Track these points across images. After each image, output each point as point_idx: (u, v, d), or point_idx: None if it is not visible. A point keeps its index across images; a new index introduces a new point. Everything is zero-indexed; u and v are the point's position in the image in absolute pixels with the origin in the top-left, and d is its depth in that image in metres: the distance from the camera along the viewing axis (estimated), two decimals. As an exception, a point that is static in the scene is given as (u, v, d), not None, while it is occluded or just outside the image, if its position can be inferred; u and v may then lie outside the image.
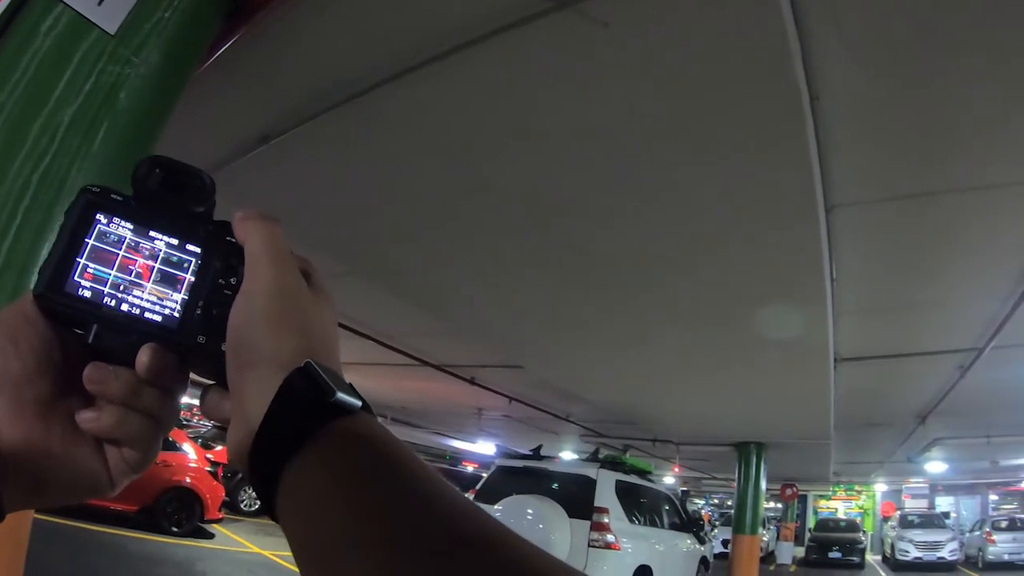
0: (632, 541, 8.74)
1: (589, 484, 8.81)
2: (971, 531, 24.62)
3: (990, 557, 21.50)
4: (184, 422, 22.17)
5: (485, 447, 26.14)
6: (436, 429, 24.81)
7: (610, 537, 8.30)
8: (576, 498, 8.60)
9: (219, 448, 12.86)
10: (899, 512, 27.41)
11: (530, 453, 10.47)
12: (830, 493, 33.64)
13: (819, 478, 24.45)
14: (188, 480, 11.03)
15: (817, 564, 23.51)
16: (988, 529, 22.33)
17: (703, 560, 12.49)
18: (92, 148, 2.36)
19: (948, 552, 22.06)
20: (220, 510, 11.68)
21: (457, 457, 32.65)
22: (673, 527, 10.91)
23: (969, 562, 22.75)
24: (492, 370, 10.46)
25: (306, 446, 0.47)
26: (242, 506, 15.41)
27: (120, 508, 10.10)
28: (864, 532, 27.30)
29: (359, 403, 0.50)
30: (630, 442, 16.31)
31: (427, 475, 0.46)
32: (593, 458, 10.01)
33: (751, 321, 6.40)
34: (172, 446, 11.06)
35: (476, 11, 3.08)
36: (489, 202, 4.91)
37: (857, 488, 32.96)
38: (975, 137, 3.73)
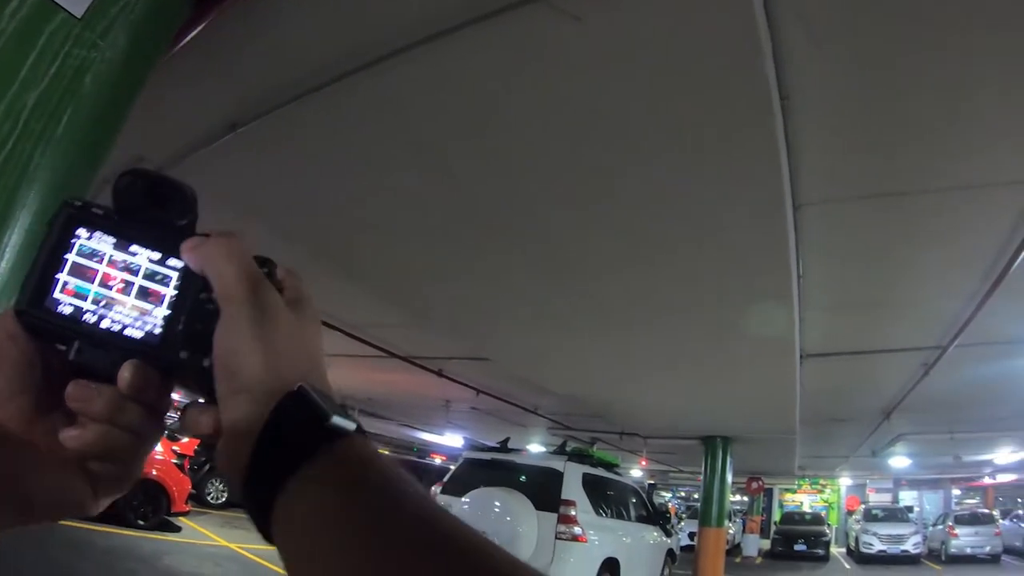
0: (599, 534, 8.74)
1: (556, 477, 8.79)
2: (934, 525, 25.00)
3: (952, 550, 21.94)
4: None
5: (452, 439, 26.09)
6: (403, 421, 24.73)
7: (577, 529, 8.29)
8: (543, 491, 8.57)
9: (185, 440, 12.61)
10: (863, 506, 27.80)
11: (497, 446, 10.46)
12: (795, 487, 34.01)
13: (785, 472, 24.69)
14: (154, 473, 10.81)
15: (783, 556, 23.75)
16: (950, 523, 22.71)
17: (669, 552, 12.56)
18: (56, 132, 2.32)
19: (911, 545, 22.34)
20: (187, 503, 11.49)
21: (424, 449, 32.53)
22: (640, 519, 10.94)
23: (932, 555, 23.16)
24: (459, 362, 10.41)
25: (304, 467, 0.48)
26: (208, 499, 15.29)
27: None
28: (829, 525, 27.64)
29: (354, 425, 0.52)
30: (597, 435, 16.33)
31: (416, 492, 0.49)
32: (560, 451, 10.01)
33: (718, 316, 6.44)
34: None
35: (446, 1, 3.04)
36: (457, 194, 4.86)
37: (822, 482, 33.37)
38: (942, 139, 3.73)
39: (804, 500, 34.19)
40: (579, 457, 9.61)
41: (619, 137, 3.89)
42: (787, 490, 34.49)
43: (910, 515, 24.89)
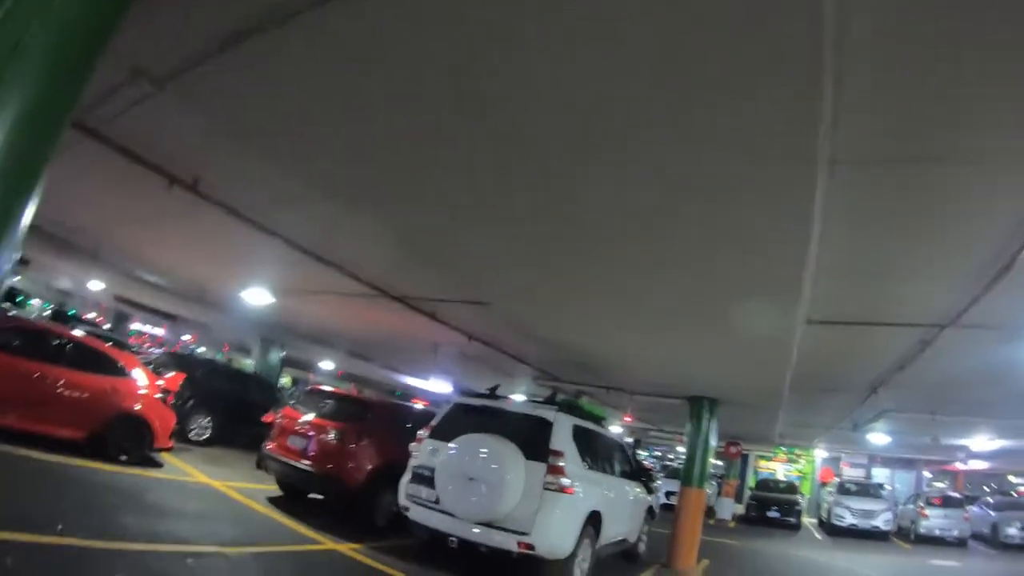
0: (585, 486, 8.73)
1: (546, 426, 8.73)
2: (905, 504, 25.37)
3: (921, 530, 22.38)
4: (135, 349, 21.84)
5: (437, 385, 26.04)
6: (388, 363, 24.71)
7: (565, 480, 8.26)
8: (532, 440, 8.51)
9: (171, 375, 12.45)
10: (838, 479, 28.16)
11: (487, 392, 10.42)
12: (771, 455, 34.38)
13: (764, 438, 24.94)
14: (137, 407, 10.68)
15: (756, 521, 24.13)
16: (922, 504, 23.07)
17: (649, 509, 12.66)
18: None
19: (882, 522, 22.75)
20: (170, 439, 11.38)
21: (407, 393, 32.60)
22: (624, 475, 10.96)
23: (901, 533, 23.56)
24: (455, 306, 10.31)
25: None
26: (192, 435, 15.32)
27: (67, 435, 9.82)
28: (802, 495, 28.03)
29: None
30: (583, 388, 16.32)
31: None
32: (550, 401, 9.98)
33: (728, 273, 6.34)
34: (121, 371, 10.71)
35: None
36: (466, 128, 4.69)
37: (797, 452, 33.69)
38: (992, 111, 3.59)
39: (779, 468, 34.58)
40: (569, 408, 9.55)
41: (649, 79, 3.72)
42: (763, 457, 34.87)
43: (883, 492, 25.21)
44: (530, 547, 7.91)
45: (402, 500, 9.04)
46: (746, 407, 14.47)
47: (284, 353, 23.06)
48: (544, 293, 8.23)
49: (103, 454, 10.07)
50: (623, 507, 10.69)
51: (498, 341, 12.80)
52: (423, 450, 9.19)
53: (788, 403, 13.76)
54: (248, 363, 24.83)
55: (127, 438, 10.49)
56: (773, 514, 24.50)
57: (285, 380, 34.25)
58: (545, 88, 4.00)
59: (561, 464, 8.38)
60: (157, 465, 11.05)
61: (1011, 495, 26.38)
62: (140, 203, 8.52)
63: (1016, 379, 9.43)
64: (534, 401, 10.18)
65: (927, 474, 32.30)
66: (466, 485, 8.25)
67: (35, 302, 32.35)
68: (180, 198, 7.25)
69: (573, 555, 8.39)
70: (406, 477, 9.19)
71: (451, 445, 8.60)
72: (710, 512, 23.59)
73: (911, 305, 7.26)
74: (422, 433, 9.44)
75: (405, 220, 6.88)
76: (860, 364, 10.27)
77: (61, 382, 9.79)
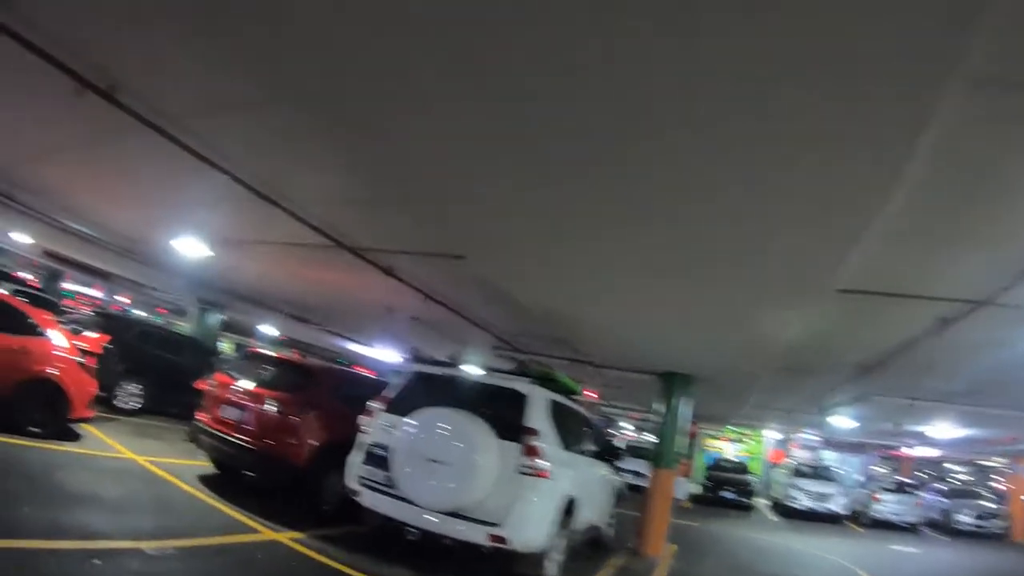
0: (560, 469, 7.72)
1: (519, 401, 7.70)
2: (857, 488, 25.27)
3: (873, 515, 22.50)
4: (63, 310, 20.12)
5: (383, 352, 24.81)
6: (332, 328, 23.40)
7: (542, 463, 7.26)
8: (504, 417, 7.50)
9: (94, 335, 10.82)
10: (792, 461, 28.11)
11: (447, 361, 9.28)
12: (718, 433, 33.87)
13: (721, 418, 24.50)
14: (51, 371, 9.27)
15: (711, 502, 23.85)
16: (875, 489, 23.18)
17: (618, 493, 11.72)
18: None
19: (837, 505, 22.83)
20: (90, 407, 9.96)
21: (350, 361, 31.22)
22: (594, 456, 9.97)
23: (852, 517, 23.55)
24: (418, 260, 9.13)
25: None
26: (118, 403, 13.89)
27: None
28: (754, 475, 27.73)
29: None
30: (545, 359, 15.17)
31: None
32: (521, 371, 8.87)
33: (766, 229, 5.16)
34: (33, 330, 9.27)
35: None
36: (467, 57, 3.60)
37: (745, 432, 33.27)
38: None
39: (726, 448, 34.09)
40: (543, 380, 8.48)
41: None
42: (710, 436, 34.29)
43: (836, 476, 25.24)
44: (502, 540, 6.90)
45: (351, 483, 7.91)
46: (718, 386, 13.56)
47: (224, 317, 21.59)
48: (530, 247, 6.98)
49: (9, 425, 8.75)
50: (596, 491, 9.74)
51: (459, 304, 11.66)
52: (376, 425, 8.08)
53: (765, 383, 12.93)
54: (185, 327, 23.25)
55: (38, 407, 9.13)
56: (728, 495, 24.33)
57: (226, 346, 32.64)
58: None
59: (537, 444, 7.37)
60: (74, 438, 9.69)
61: (956, 482, 26.90)
62: (51, 125, 7.16)
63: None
64: (502, 372, 9.06)
65: (875, 459, 32.36)
66: (428, 468, 7.18)
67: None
68: (96, 112, 5.91)
69: (547, 547, 7.39)
70: (356, 456, 8.06)
71: (410, 420, 7.53)
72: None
73: (950, 279, 6.37)
74: (375, 405, 8.28)
75: (382, 144, 5.44)
76: (862, 341, 9.43)
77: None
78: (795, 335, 8.32)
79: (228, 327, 27.07)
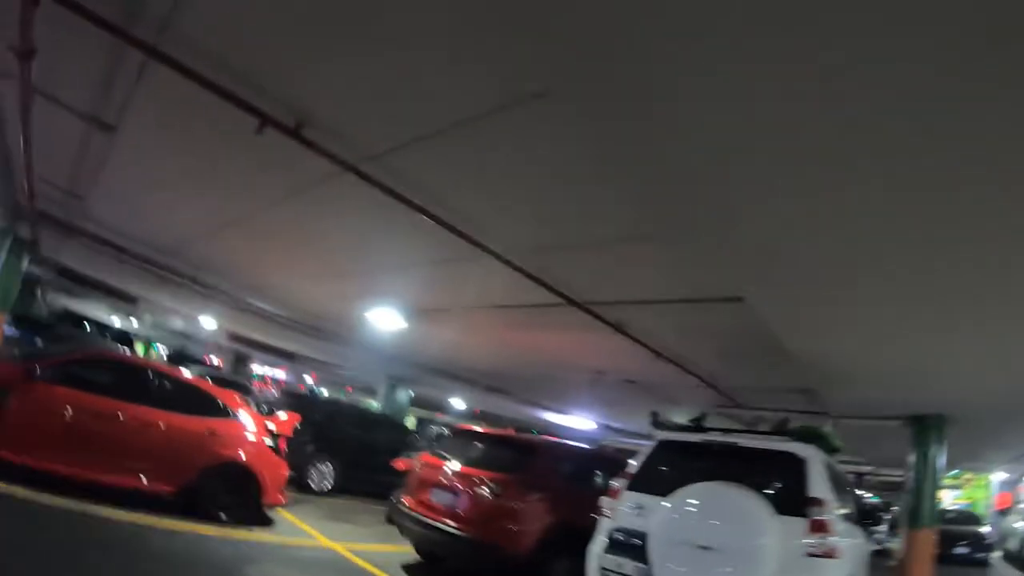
0: (847, 545, 6.21)
1: (798, 466, 6.24)
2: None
3: None
4: (248, 391, 20.30)
5: (578, 420, 23.46)
6: (527, 398, 22.20)
7: (833, 540, 5.75)
8: (778, 487, 6.14)
9: (284, 417, 10.22)
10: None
11: (690, 424, 7.78)
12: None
13: (951, 463, 21.41)
14: (242, 455, 8.79)
15: (941, 560, 20.42)
16: None
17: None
18: None
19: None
20: (282, 492, 9.37)
21: (543, 431, 29.94)
22: (856, 522, 8.16)
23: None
24: (661, 311, 7.87)
25: None
26: (311, 485, 13.50)
27: (153, 489, 8.03)
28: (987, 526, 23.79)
29: None
30: (769, 413, 13.20)
31: None
32: (782, 431, 7.28)
33: None
34: (224, 412, 8.84)
35: None
36: None
37: (965, 477, 28.99)
38: None
39: (943, 497, 29.78)
40: (812, 439, 6.88)
41: None
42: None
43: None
44: None
45: (594, 575, 6.61)
46: (974, 427, 11.41)
47: (412, 392, 21.12)
48: (820, 291, 5.55)
49: (198, 512, 8.25)
50: (861, 565, 7.92)
51: (689, 359, 10.10)
52: (622, 507, 6.76)
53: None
54: (374, 404, 23.00)
55: (227, 492, 8.60)
56: (961, 551, 20.57)
57: (409, 421, 32.69)
58: None
59: (826, 518, 5.83)
60: (267, 523, 9.10)
61: None
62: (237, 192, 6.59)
63: None
64: (766, 433, 7.47)
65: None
66: (697, 557, 5.76)
67: (161, 348, 32.03)
68: (275, 147, 5.09)
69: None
70: (598, 544, 6.77)
71: (667, 501, 6.18)
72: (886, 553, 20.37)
73: None
74: (618, 484, 6.94)
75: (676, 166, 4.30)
76: None
77: (146, 424, 8.09)
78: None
79: (414, 402, 26.71)
